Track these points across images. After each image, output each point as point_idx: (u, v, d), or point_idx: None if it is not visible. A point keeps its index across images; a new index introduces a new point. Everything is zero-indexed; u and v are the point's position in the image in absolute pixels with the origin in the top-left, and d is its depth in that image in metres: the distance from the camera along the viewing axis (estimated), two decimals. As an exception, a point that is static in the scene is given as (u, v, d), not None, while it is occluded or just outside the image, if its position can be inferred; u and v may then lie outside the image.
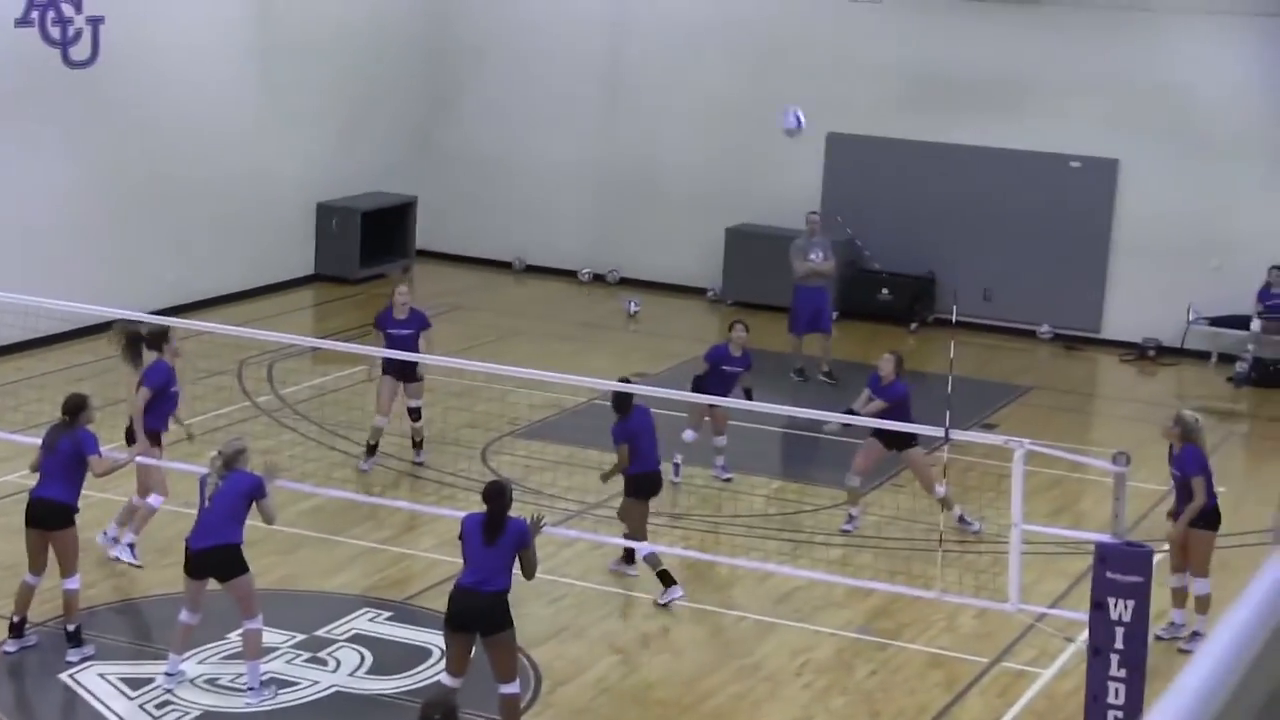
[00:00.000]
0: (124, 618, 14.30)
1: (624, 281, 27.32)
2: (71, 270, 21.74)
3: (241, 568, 12.74)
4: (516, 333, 24.14)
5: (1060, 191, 25.13)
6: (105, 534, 15.18)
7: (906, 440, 16.05)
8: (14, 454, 17.02)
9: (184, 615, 12.93)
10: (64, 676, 13.01)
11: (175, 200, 23.83)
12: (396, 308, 17.70)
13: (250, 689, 12.81)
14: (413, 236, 27.71)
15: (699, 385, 17.33)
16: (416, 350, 17.29)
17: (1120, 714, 11.05)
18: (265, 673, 12.99)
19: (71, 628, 13.31)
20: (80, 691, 12.83)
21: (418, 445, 18.01)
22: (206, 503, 12.82)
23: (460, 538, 11.98)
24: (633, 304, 25.81)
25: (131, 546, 14.95)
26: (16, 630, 13.42)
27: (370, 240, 26.79)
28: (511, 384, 19.57)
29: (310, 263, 26.59)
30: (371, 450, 17.76)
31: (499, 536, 11.78)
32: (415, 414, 17.85)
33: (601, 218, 27.68)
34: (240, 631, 13.04)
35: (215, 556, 12.67)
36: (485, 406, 19.17)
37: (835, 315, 23.45)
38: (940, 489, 16.35)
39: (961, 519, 16.69)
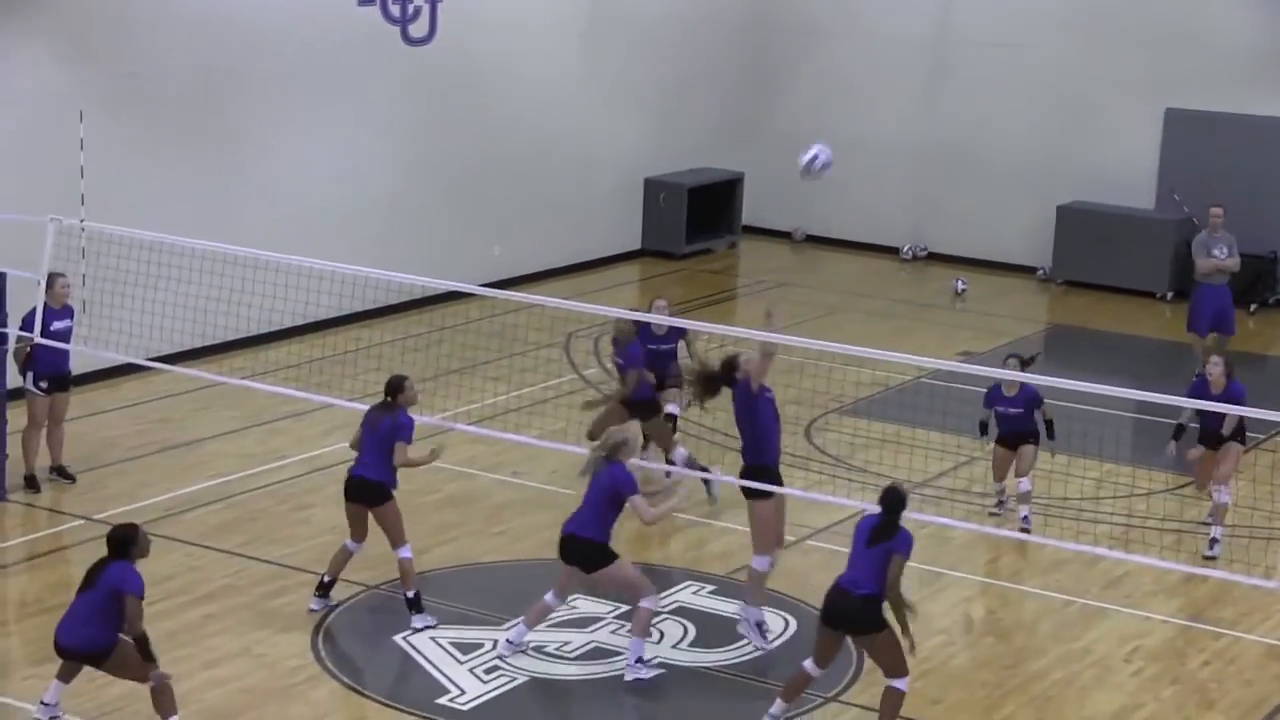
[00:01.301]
0: (456, 583, 14.57)
1: (941, 258, 26.97)
2: (404, 244, 22.28)
3: (606, 559, 12.66)
4: (842, 309, 23.99)
5: None
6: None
7: (1231, 435, 15.67)
8: (348, 422, 17.46)
9: (549, 596, 13.02)
10: (398, 639, 13.32)
11: (505, 175, 24.24)
12: (653, 323, 16.31)
13: (630, 665, 12.81)
14: (739, 213, 27.74)
15: (984, 430, 16.45)
16: (676, 362, 16.57)
17: None
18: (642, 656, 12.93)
19: (411, 594, 13.53)
20: (413, 654, 13.12)
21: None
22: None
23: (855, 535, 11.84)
24: (960, 282, 25.46)
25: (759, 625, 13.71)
26: (324, 590, 13.73)
27: (697, 216, 26.89)
28: (838, 361, 19.46)
29: (637, 238, 26.81)
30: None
31: (882, 542, 11.56)
32: (670, 421, 16.67)
33: (925, 195, 27.34)
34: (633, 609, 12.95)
35: (579, 548, 12.69)
36: (811, 383, 19.05)
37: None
38: (1223, 494, 15.69)
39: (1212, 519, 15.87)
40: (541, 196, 24.88)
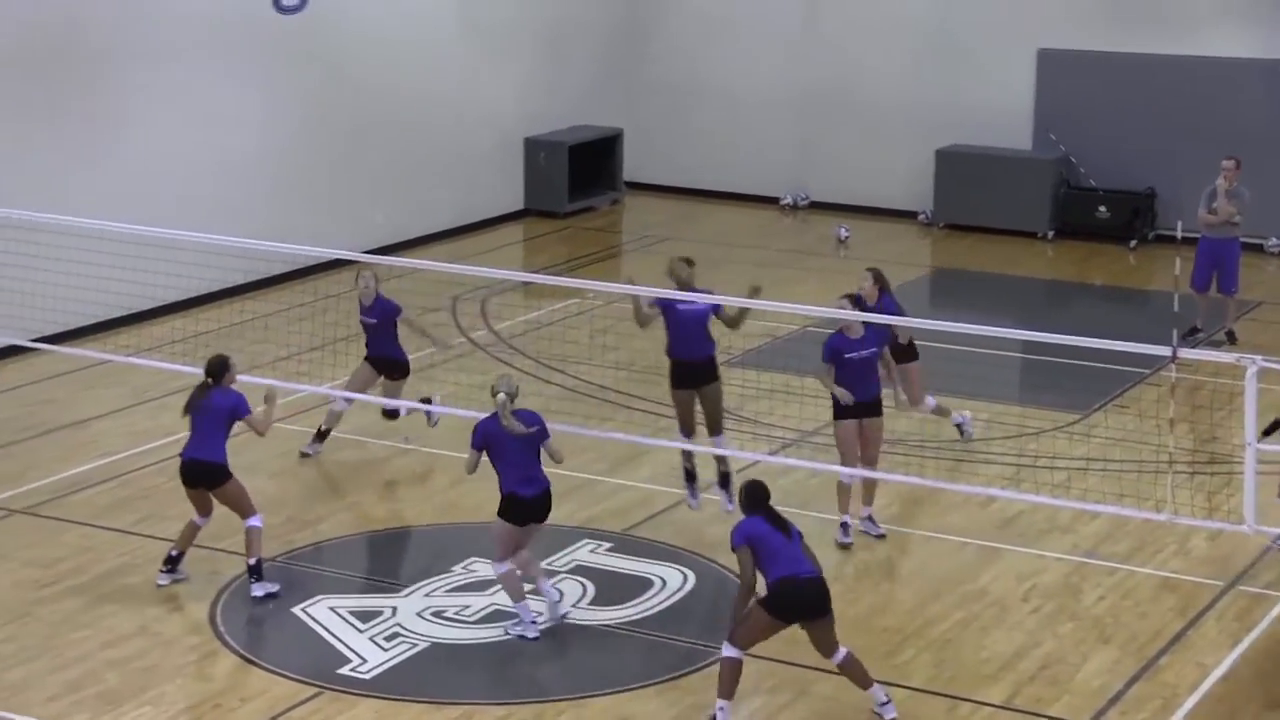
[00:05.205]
0: (352, 552, 14.48)
1: (824, 206, 27.08)
2: (286, 214, 22.05)
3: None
4: (726, 261, 23.97)
5: (1283, 99, 24.39)
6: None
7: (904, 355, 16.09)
8: (239, 394, 17.38)
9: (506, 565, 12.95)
10: (296, 610, 13.19)
11: (384, 142, 24.06)
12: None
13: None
14: (620, 168, 27.69)
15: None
16: (396, 341, 16.38)
17: (1365, 636, 10.69)
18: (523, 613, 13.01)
19: (253, 561, 13.40)
20: (312, 625, 13.00)
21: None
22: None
23: None
24: (843, 229, 25.55)
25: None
26: (171, 564, 13.68)
27: (578, 173, 26.82)
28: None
29: (520, 198, 26.69)
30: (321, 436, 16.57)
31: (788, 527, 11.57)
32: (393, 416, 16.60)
33: (804, 143, 27.41)
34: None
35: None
36: (698, 336, 19.03)
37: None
38: (930, 401, 16.33)
39: (960, 427, 16.74)
40: (422, 160, 24.72)
